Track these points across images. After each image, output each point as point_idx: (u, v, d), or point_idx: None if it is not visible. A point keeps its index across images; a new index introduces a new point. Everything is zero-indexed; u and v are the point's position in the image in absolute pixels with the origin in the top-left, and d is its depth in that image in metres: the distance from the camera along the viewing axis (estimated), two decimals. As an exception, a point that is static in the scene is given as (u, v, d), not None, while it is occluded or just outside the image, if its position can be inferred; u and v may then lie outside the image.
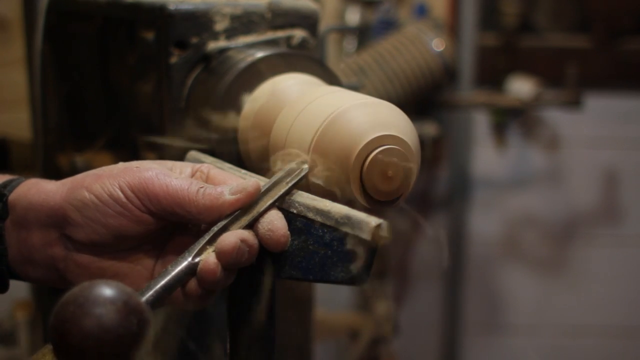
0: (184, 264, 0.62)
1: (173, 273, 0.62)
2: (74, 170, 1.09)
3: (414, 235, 2.43)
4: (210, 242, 0.63)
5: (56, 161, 1.15)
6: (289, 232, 0.64)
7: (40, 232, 0.67)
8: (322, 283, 0.64)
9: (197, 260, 0.63)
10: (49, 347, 0.57)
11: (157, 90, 0.91)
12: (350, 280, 0.61)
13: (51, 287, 0.76)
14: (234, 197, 0.64)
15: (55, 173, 1.14)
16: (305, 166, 0.68)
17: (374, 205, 0.68)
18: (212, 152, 0.82)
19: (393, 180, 0.67)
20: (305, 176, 0.68)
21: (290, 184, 0.66)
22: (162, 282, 0.61)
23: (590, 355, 2.53)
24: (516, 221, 2.50)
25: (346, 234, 0.61)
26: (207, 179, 0.68)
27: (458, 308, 2.50)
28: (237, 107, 0.84)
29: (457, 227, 2.45)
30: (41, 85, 1.14)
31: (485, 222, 2.47)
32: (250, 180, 0.65)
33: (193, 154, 0.78)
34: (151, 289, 0.60)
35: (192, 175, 0.68)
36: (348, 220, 0.61)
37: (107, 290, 0.54)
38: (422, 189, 2.42)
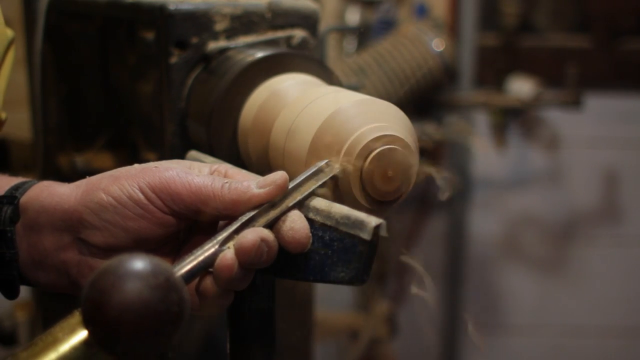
0: (211, 250, 0.61)
1: (200, 258, 0.60)
2: (74, 170, 1.09)
3: (413, 235, 2.43)
4: (238, 231, 0.62)
5: (56, 161, 1.15)
6: (310, 234, 0.62)
7: (53, 236, 0.65)
8: (322, 283, 0.64)
9: (223, 248, 0.61)
10: (73, 320, 0.53)
11: (157, 90, 0.91)
12: (350, 280, 0.61)
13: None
14: (263, 190, 0.62)
15: (55, 173, 1.14)
16: (337, 165, 0.67)
17: (374, 205, 0.68)
18: (212, 152, 0.82)
19: (393, 180, 0.67)
20: (336, 176, 0.67)
21: (320, 182, 0.66)
22: (187, 267, 0.59)
23: (590, 355, 2.53)
24: (516, 221, 2.49)
25: (346, 234, 0.61)
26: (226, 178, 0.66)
27: (458, 308, 2.49)
28: (237, 107, 0.84)
29: (457, 227, 2.45)
30: (41, 85, 1.14)
31: (485, 222, 2.47)
32: (278, 173, 0.63)
33: (193, 153, 0.78)
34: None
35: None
36: (348, 220, 0.61)
37: (149, 264, 0.51)
38: (422, 189, 2.42)
